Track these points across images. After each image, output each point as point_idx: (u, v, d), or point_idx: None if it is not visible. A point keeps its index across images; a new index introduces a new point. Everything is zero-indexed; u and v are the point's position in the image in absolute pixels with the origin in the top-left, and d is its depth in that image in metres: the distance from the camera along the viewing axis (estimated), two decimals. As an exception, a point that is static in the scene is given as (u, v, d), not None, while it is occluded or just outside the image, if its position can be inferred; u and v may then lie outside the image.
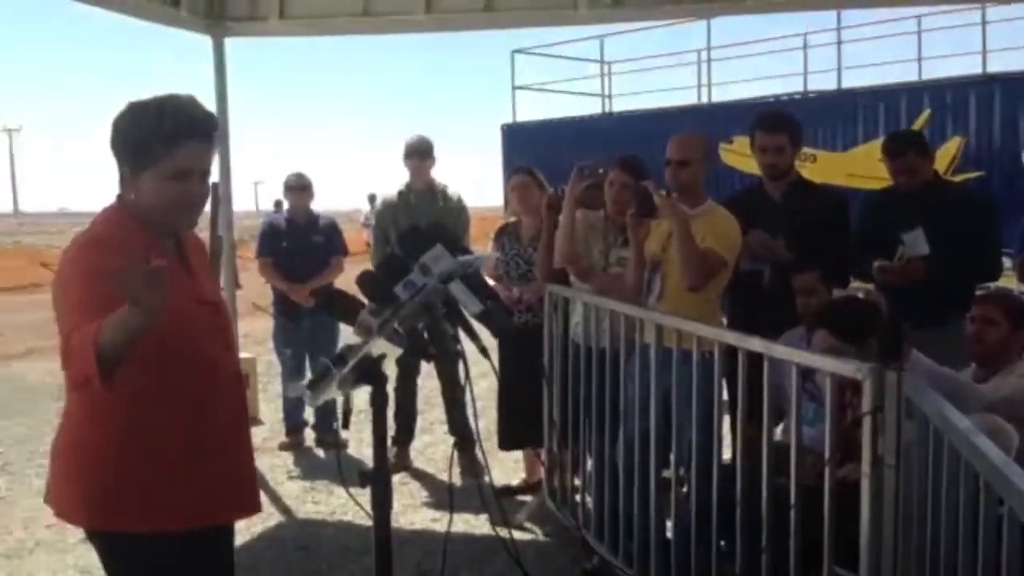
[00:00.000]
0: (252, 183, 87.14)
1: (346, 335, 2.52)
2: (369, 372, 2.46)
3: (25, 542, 4.98)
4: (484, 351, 2.54)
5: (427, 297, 2.41)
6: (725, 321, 4.39)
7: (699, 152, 4.17)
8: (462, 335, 2.50)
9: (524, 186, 5.34)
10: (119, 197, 2.37)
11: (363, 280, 2.50)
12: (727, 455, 3.66)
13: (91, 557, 4.62)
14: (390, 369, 2.56)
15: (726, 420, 3.69)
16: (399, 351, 2.49)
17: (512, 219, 5.58)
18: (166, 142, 2.25)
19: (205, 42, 6.30)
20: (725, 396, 3.65)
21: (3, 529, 5.19)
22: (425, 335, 2.46)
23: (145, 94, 2.38)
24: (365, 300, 2.48)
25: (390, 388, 2.54)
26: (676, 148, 4.12)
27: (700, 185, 4.15)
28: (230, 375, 2.53)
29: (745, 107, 11.28)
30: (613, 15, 5.98)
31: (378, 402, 2.50)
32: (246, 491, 2.55)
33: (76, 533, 4.83)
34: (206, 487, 2.36)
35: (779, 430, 3.72)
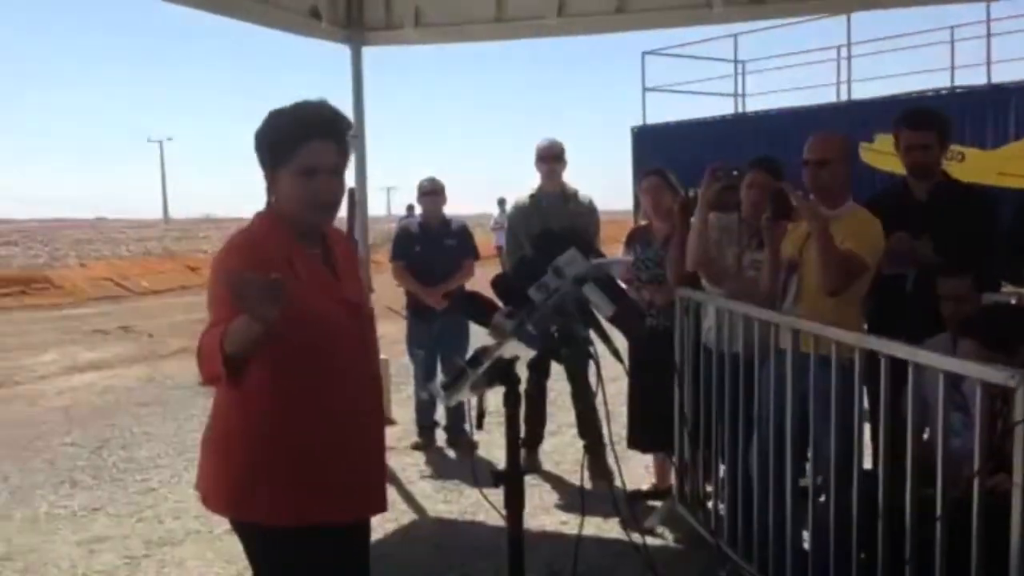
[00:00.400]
0: (384, 188, 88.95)
1: (477, 337, 2.55)
2: (502, 373, 2.48)
3: (175, 532, 5.22)
4: (617, 354, 2.53)
5: (560, 300, 2.41)
6: (865, 327, 4.24)
7: (839, 152, 4.05)
8: (595, 338, 2.50)
9: (656, 188, 5.29)
10: (267, 205, 2.48)
11: (497, 282, 2.53)
12: (867, 464, 3.55)
13: (236, 547, 4.78)
14: (522, 372, 2.58)
15: (866, 429, 3.57)
16: (532, 353, 2.51)
17: (644, 222, 5.53)
18: (294, 141, 2.35)
19: (341, 51, 6.49)
20: (865, 404, 3.53)
21: (155, 519, 5.46)
22: (557, 337, 2.46)
23: (284, 102, 2.47)
24: (499, 302, 2.51)
25: (522, 390, 2.55)
26: (815, 148, 4.01)
27: (841, 186, 4.02)
28: (367, 376, 2.58)
29: (888, 104, 10.86)
30: (749, 12, 5.84)
31: (511, 403, 2.52)
32: (377, 490, 2.62)
33: (222, 524, 5.03)
34: (340, 484, 2.44)
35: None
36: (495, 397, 2.55)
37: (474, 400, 2.62)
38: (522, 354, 2.51)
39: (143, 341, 13.71)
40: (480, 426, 2.67)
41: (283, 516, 2.39)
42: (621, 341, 2.67)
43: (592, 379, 2.76)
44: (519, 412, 2.55)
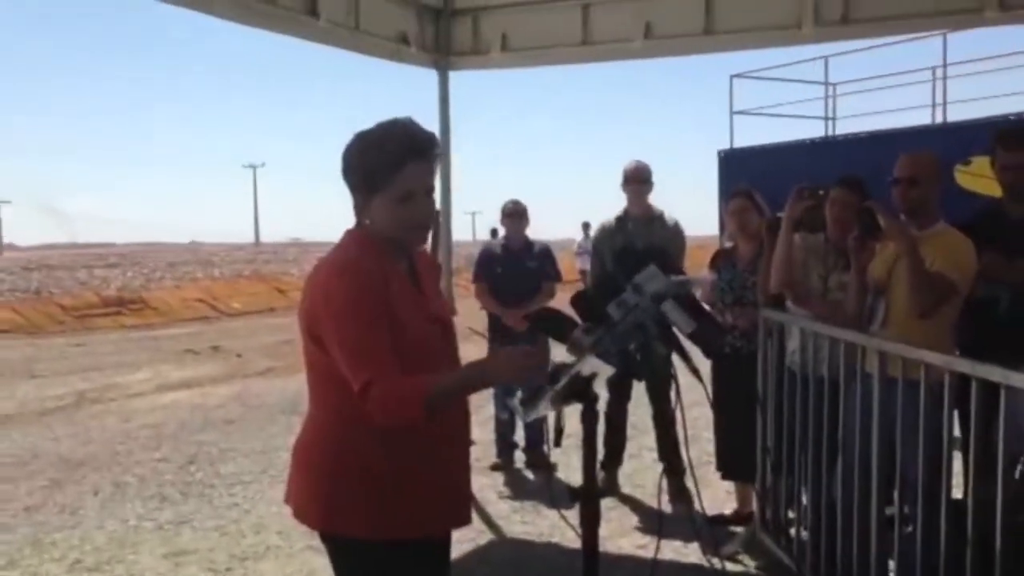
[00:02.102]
0: (469, 213, 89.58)
1: (558, 357, 2.55)
2: (580, 391, 2.47)
3: (257, 547, 5.30)
4: (696, 372, 2.50)
5: (639, 317, 2.39)
6: (957, 352, 4.11)
7: (930, 170, 3.94)
8: (675, 358, 2.48)
9: (742, 210, 5.22)
10: (358, 224, 2.50)
11: (577, 300, 2.52)
12: (957, 494, 3.43)
13: (315, 563, 4.92)
14: (601, 392, 2.56)
15: (956, 456, 3.45)
16: (610, 371, 2.49)
17: (729, 244, 5.46)
18: (391, 167, 2.37)
19: (427, 75, 6.58)
20: (956, 431, 3.42)
21: (238, 534, 5.56)
22: (637, 357, 2.44)
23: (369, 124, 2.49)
24: (578, 319, 2.50)
25: (600, 409, 2.53)
26: (905, 166, 3.91)
27: (931, 205, 3.91)
28: None
29: (985, 126, 10.50)
30: (840, 32, 5.73)
31: (589, 421, 2.51)
32: (463, 503, 2.62)
33: (302, 540, 5.14)
34: (431, 497, 2.45)
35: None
36: (573, 416, 2.54)
37: (552, 418, 2.61)
38: (600, 371, 2.50)
39: (232, 361, 14.04)
40: (558, 444, 2.65)
41: (379, 529, 2.40)
42: (705, 363, 2.62)
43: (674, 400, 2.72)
44: (596, 430, 2.54)
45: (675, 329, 2.39)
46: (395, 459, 2.39)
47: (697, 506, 3.28)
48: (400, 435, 2.37)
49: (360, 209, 2.47)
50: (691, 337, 2.38)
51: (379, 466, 2.39)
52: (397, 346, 2.32)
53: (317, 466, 2.48)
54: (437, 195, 2.68)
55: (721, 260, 5.35)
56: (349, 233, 2.51)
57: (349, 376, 2.29)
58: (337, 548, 2.50)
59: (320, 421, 2.51)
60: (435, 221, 3.02)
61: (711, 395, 3.09)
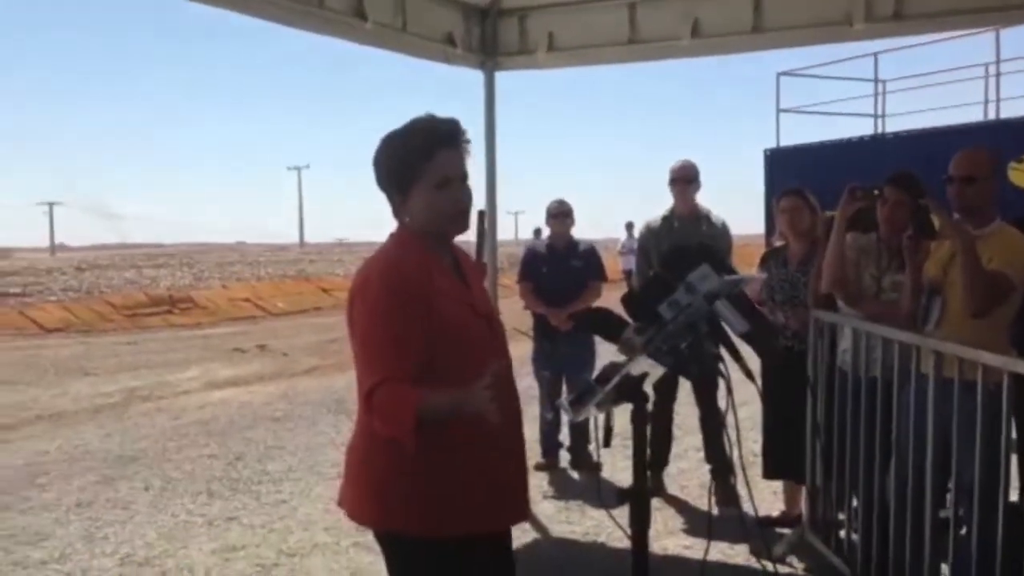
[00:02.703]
0: (512, 213, 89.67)
1: (603, 359, 2.54)
2: (631, 390, 2.47)
3: (304, 544, 5.35)
4: (749, 373, 2.48)
5: (692, 316, 2.38)
6: (1014, 352, 4.03)
7: (986, 167, 3.84)
8: (726, 357, 2.45)
9: (794, 208, 5.15)
10: (400, 225, 2.52)
11: (628, 299, 2.51)
12: (1013, 496, 3.36)
13: (361, 560, 4.96)
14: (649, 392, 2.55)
15: (1013, 458, 3.39)
16: (661, 371, 2.48)
17: (779, 243, 5.40)
18: (422, 157, 2.40)
19: (472, 76, 6.57)
20: (1013, 433, 3.35)
21: (285, 530, 5.61)
22: (687, 356, 2.42)
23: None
24: (628, 319, 2.49)
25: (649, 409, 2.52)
26: (960, 164, 3.81)
27: (988, 204, 3.82)
28: (505, 381, 2.57)
29: (1041, 122, 10.31)
30: (891, 29, 5.60)
31: (639, 420, 2.50)
32: (521, 497, 2.62)
33: (349, 537, 5.18)
34: (488, 492, 2.45)
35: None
36: (621, 416, 2.53)
37: (600, 418, 2.60)
38: (651, 371, 2.49)
39: (278, 359, 14.18)
40: (608, 444, 2.63)
41: (435, 526, 2.40)
42: (754, 361, 2.60)
43: (721, 401, 2.68)
44: (646, 429, 2.53)
45: (727, 328, 2.38)
46: (446, 457, 2.38)
47: (746, 508, 3.25)
48: (456, 429, 2.35)
49: (399, 208, 2.49)
50: (744, 337, 2.36)
51: (435, 461, 2.38)
52: (438, 338, 2.34)
53: (373, 464, 2.48)
54: (481, 195, 2.68)
55: (772, 259, 5.29)
56: (392, 236, 2.53)
57: (360, 377, 2.33)
58: (390, 546, 2.50)
59: (366, 420, 2.49)
60: (479, 222, 3.02)
61: (761, 393, 3.07)
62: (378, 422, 2.31)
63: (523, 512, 2.64)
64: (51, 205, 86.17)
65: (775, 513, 5.36)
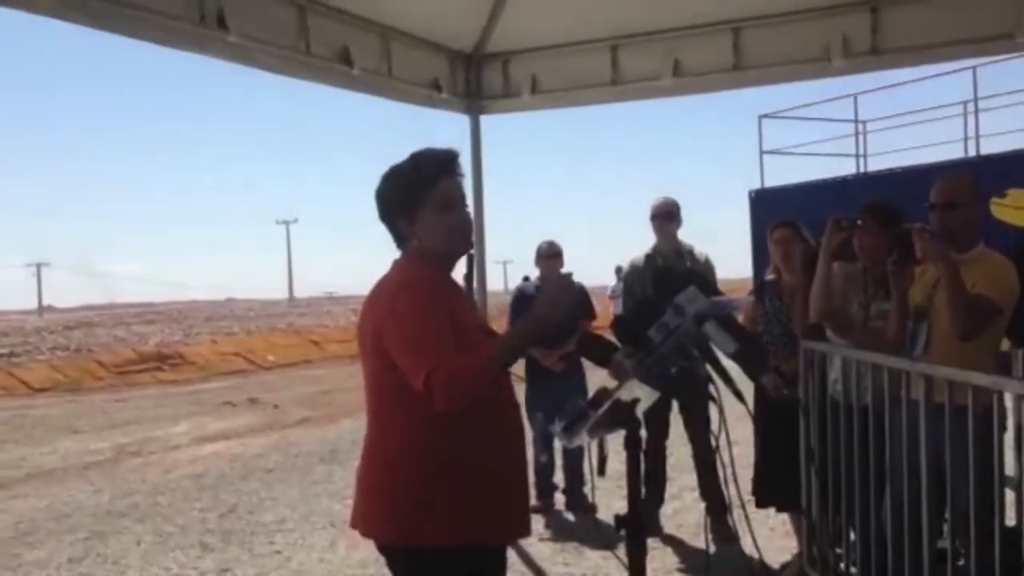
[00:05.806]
0: (501, 262, 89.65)
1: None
2: (623, 416, 2.46)
3: (298, 593, 5.28)
4: (740, 395, 2.48)
5: (681, 338, 2.39)
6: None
7: (968, 193, 3.88)
8: (718, 383, 2.45)
9: (787, 240, 5.12)
10: (408, 250, 2.63)
11: (617, 324, 2.52)
12: (1011, 522, 3.34)
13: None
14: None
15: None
16: (653, 396, 2.48)
17: (771, 276, 5.39)
18: (428, 180, 2.56)
19: (457, 120, 6.64)
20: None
21: (279, 579, 5.54)
22: (676, 378, 2.43)
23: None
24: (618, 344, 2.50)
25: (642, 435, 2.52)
26: (941, 191, 3.85)
27: (971, 229, 3.84)
28: (510, 401, 2.69)
29: (1020, 158, 10.44)
30: (870, 64, 5.68)
31: (632, 445, 2.49)
32: (524, 513, 2.70)
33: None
34: (499, 502, 2.53)
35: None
36: (616, 454, 2.53)
37: (595, 447, 2.60)
38: (643, 396, 2.49)
39: (269, 411, 14.09)
40: (602, 472, 2.63)
41: (456, 533, 2.47)
42: (745, 384, 2.60)
43: (713, 431, 2.65)
44: (640, 455, 2.52)
45: (717, 349, 2.38)
46: (468, 469, 2.47)
47: (746, 543, 3.23)
48: (470, 445, 2.46)
49: (407, 233, 2.60)
50: (733, 358, 2.36)
51: (454, 476, 2.46)
52: (460, 346, 2.42)
53: (380, 482, 2.56)
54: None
55: (767, 292, 5.26)
56: (401, 260, 2.64)
57: (411, 374, 2.37)
58: (402, 561, 2.55)
59: (375, 440, 2.59)
60: (468, 263, 3.08)
61: (752, 415, 3.05)
62: (443, 398, 2.33)
63: (528, 527, 2.72)
64: (39, 266, 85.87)
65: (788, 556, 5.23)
